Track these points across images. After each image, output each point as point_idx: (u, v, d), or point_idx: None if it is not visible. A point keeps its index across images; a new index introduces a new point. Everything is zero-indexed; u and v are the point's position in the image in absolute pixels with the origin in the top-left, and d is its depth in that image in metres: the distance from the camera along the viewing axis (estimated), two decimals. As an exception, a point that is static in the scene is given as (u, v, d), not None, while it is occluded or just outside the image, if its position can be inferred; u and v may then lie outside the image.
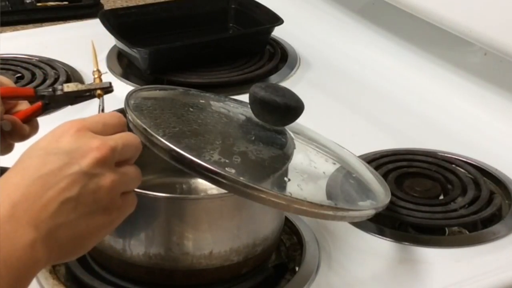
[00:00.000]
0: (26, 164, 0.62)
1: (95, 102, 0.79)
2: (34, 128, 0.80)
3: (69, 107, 0.82)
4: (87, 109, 0.82)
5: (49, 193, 0.61)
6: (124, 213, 0.68)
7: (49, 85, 1.18)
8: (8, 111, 0.79)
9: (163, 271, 0.79)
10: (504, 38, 1.09)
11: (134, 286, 0.81)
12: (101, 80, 0.80)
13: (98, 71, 0.80)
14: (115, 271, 0.81)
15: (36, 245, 0.60)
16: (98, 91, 0.78)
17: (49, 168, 0.62)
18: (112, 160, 0.66)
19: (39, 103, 0.79)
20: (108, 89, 0.79)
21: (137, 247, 0.78)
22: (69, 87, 0.79)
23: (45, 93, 0.79)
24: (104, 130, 0.67)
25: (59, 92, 0.79)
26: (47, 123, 0.80)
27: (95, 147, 0.64)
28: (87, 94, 0.79)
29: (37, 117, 0.80)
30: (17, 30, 1.44)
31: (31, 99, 0.80)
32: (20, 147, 0.79)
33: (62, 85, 0.80)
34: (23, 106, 0.80)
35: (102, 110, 0.76)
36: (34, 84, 1.20)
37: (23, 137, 0.78)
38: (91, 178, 0.63)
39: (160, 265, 0.79)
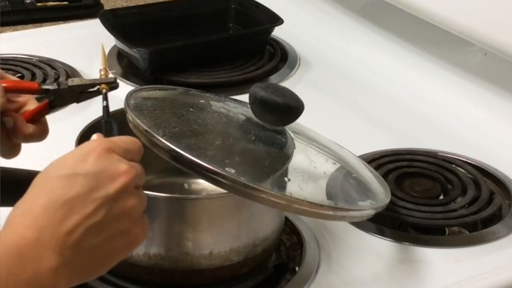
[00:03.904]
0: (54, 185, 0.62)
1: (99, 100, 0.79)
2: (42, 131, 0.79)
3: (73, 105, 0.81)
4: (91, 107, 0.82)
5: (75, 218, 0.61)
6: (144, 234, 0.68)
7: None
8: (16, 111, 0.79)
9: (163, 271, 0.79)
10: (504, 38, 1.09)
11: (134, 286, 0.81)
12: (107, 77, 0.80)
13: (105, 69, 0.79)
14: (115, 271, 0.81)
15: (59, 270, 0.60)
16: (103, 85, 0.78)
17: (77, 192, 0.62)
18: (135, 185, 0.66)
19: (45, 102, 0.79)
20: (112, 84, 0.78)
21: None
22: (74, 81, 0.79)
23: (49, 87, 0.79)
24: (125, 155, 0.67)
25: (63, 86, 0.78)
26: (51, 122, 0.80)
27: (123, 172, 0.64)
28: (92, 90, 0.79)
29: (43, 116, 0.79)
30: (17, 30, 1.44)
31: (35, 93, 0.80)
32: (26, 151, 0.80)
33: (66, 79, 0.80)
34: (31, 106, 0.79)
35: (107, 108, 0.76)
36: (34, 84, 1.20)
37: (26, 136, 0.77)
38: (116, 203, 0.64)
39: (160, 265, 0.79)
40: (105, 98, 0.77)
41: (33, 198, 0.61)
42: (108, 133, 0.73)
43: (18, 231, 0.59)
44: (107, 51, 1.30)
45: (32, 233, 0.59)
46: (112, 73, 0.80)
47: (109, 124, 0.74)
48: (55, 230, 0.60)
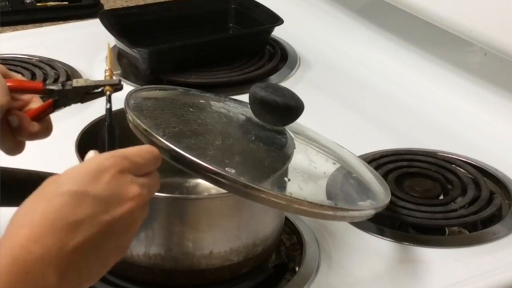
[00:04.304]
0: (64, 201, 0.61)
1: (99, 100, 0.79)
2: (46, 129, 0.79)
3: (74, 105, 0.81)
4: (91, 107, 0.82)
5: (79, 239, 0.61)
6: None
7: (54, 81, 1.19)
8: (20, 109, 0.79)
9: (163, 271, 0.79)
10: (504, 38, 1.09)
11: (134, 286, 0.81)
12: (111, 78, 0.80)
13: (110, 70, 0.79)
14: (115, 271, 0.81)
15: None
16: (107, 87, 0.78)
17: (84, 213, 0.61)
18: (143, 204, 0.66)
19: (49, 101, 0.79)
20: (117, 86, 0.79)
21: (137, 247, 0.78)
22: (78, 82, 0.79)
23: (54, 88, 0.79)
24: (141, 171, 0.67)
25: (68, 87, 0.79)
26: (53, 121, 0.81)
27: (132, 196, 0.64)
28: (97, 91, 0.79)
29: (47, 114, 0.79)
30: (17, 30, 1.44)
31: (40, 93, 0.80)
32: (26, 151, 0.80)
33: (71, 80, 0.80)
34: (35, 104, 0.80)
35: (110, 111, 0.76)
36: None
37: (31, 134, 0.78)
38: (120, 225, 0.64)
39: (160, 265, 0.79)
40: (109, 100, 0.77)
41: (43, 212, 0.61)
42: (110, 138, 0.73)
43: (24, 245, 0.59)
44: (107, 51, 1.31)
45: (38, 250, 0.59)
46: (116, 74, 0.80)
47: (112, 127, 0.74)
48: (60, 250, 0.60)
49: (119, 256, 0.65)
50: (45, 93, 0.79)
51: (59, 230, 0.60)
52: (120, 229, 0.64)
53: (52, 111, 0.79)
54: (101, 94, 0.78)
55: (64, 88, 0.78)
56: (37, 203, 0.62)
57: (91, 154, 0.70)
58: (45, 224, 0.60)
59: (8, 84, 0.77)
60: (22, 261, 0.58)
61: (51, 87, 0.79)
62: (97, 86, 0.79)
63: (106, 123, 0.74)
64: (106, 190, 0.63)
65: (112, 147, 0.72)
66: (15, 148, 0.79)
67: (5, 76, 0.78)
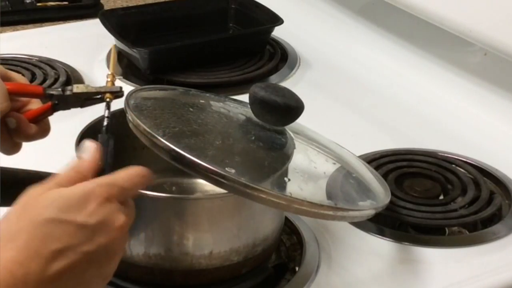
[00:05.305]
0: (49, 228, 0.61)
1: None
2: (43, 130, 0.79)
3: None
4: (91, 107, 0.82)
5: (60, 266, 0.61)
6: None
7: (50, 85, 1.19)
8: (18, 110, 0.79)
9: (163, 271, 0.79)
10: (504, 38, 1.09)
11: (134, 286, 0.81)
12: (113, 84, 0.79)
13: (113, 75, 0.79)
14: (115, 271, 0.81)
15: None
16: (107, 95, 0.78)
17: (69, 241, 0.61)
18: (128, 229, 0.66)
19: (48, 103, 0.79)
20: (117, 93, 0.78)
21: (137, 247, 0.78)
22: (79, 88, 0.79)
23: (54, 92, 0.79)
24: (128, 195, 0.67)
25: (68, 92, 0.78)
26: (52, 122, 0.80)
27: (118, 226, 0.64)
28: (97, 97, 0.78)
29: (46, 117, 0.79)
30: (17, 30, 1.44)
31: (39, 97, 0.80)
32: (26, 151, 0.80)
33: (72, 85, 0.80)
34: (34, 105, 0.79)
35: (108, 121, 0.76)
36: (34, 84, 1.19)
37: (28, 136, 0.78)
38: (104, 254, 0.64)
39: (160, 265, 0.79)
40: (108, 108, 0.76)
41: (28, 237, 0.61)
42: (106, 150, 0.72)
43: (9, 267, 0.59)
44: (106, 51, 1.31)
45: (21, 273, 0.59)
46: (118, 78, 0.80)
47: (109, 138, 0.73)
48: (41, 274, 0.60)
49: (102, 283, 0.66)
50: (44, 98, 0.79)
51: (43, 257, 0.60)
52: (103, 257, 0.64)
53: (51, 113, 0.79)
54: (101, 100, 0.78)
55: (64, 94, 0.78)
56: (22, 225, 0.62)
57: (86, 144, 0.70)
58: (30, 251, 0.60)
59: (8, 87, 0.76)
60: (5, 284, 0.58)
61: (51, 92, 0.79)
62: (98, 93, 0.78)
63: (106, 135, 0.73)
64: (91, 219, 0.63)
65: (107, 159, 0.71)
66: (12, 148, 0.79)
67: (5, 78, 0.78)
